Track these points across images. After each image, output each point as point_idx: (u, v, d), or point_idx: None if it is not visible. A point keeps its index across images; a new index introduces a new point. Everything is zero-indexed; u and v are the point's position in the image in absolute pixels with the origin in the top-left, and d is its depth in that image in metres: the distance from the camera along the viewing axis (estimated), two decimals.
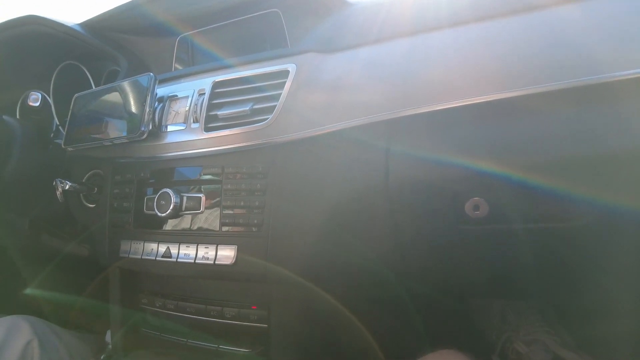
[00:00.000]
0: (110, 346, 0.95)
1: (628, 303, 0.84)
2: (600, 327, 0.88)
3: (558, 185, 0.54)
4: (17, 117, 0.98)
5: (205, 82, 0.73)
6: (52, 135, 1.00)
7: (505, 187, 0.54)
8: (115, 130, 0.76)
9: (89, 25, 0.92)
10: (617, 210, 0.55)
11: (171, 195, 0.69)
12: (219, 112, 0.68)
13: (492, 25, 0.59)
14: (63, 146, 0.83)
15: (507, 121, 0.53)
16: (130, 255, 0.74)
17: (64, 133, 0.84)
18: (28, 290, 1.06)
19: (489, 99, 0.52)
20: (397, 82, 0.60)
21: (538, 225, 0.56)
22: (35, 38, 0.93)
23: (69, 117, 0.83)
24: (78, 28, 0.93)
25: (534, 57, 0.52)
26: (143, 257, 0.73)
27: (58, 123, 0.98)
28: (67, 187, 0.81)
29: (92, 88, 1.01)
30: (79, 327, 1.05)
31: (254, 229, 0.65)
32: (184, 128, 0.72)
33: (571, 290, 0.83)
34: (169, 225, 0.72)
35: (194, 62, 0.95)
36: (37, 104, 0.80)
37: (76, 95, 0.85)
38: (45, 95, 0.91)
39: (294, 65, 0.66)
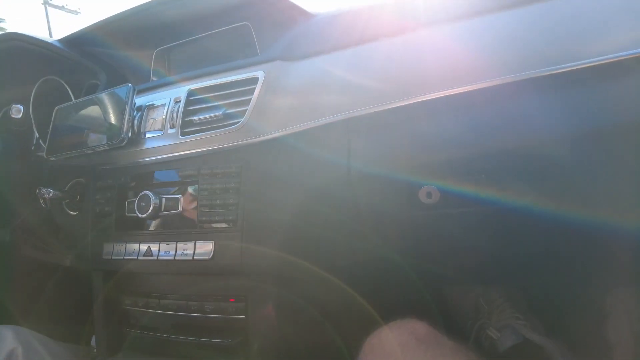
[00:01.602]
0: (95, 350, 0.98)
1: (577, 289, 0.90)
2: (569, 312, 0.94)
3: (499, 172, 0.61)
4: None
5: (180, 91, 0.78)
6: (32, 148, 1.03)
7: (453, 175, 0.61)
8: (96, 138, 0.80)
9: (68, 40, 0.96)
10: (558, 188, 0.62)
11: (151, 197, 0.73)
12: (194, 118, 0.74)
13: (437, 30, 0.65)
14: (45, 156, 0.86)
15: (451, 116, 0.60)
16: (113, 257, 0.78)
17: (45, 145, 0.88)
18: (11, 301, 1.07)
19: (433, 97, 0.58)
20: (355, 85, 0.66)
21: (486, 207, 0.62)
22: (16, 54, 0.96)
23: (50, 128, 0.87)
24: (58, 44, 0.97)
25: (476, 56, 0.59)
26: (125, 257, 0.77)
27: (38, 136, 1.01)
28: (50, 196, 0.84)
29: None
30: (65, 337, 1.07)
31: (229, 225, 0.70)
32: (161, 134, 0.77)
33: (530, 273, 0.89)
34: (150, 226, 0.76)
35: (171, 73, 0.99)
36: (19, 115, 0.84)
37: (57, 107, 0.88)
38: (27, 109, 0.94)
39: (263, 72, 0.72)
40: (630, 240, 0.71)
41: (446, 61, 0.61)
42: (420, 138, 0.61)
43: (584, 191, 0.65)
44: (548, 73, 0.55)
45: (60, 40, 0.99)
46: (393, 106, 0.61)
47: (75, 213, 0.89)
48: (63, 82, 1.06)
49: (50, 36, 0.99)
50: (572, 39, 0.56)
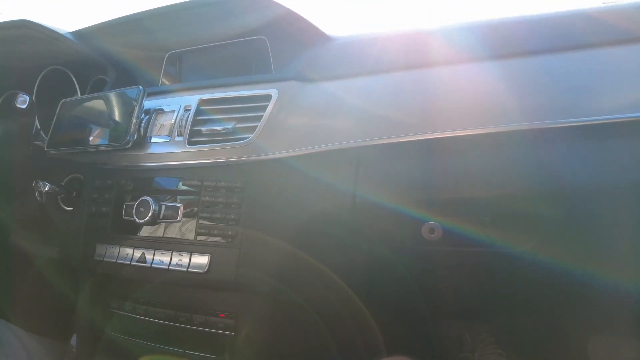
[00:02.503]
0: (74, 349, 0.96)
1: (571, 328, 0.91)
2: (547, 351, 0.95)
3: (504, 214, 0.61)
4: None
5: (191, 99, 0.77)
6: (32, 137, 1.02)
7: (458, 214, 0.61)
8: (100, 137, 0.79)
9: (81, 34, 0.95)
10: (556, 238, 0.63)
11: (150, 202, 0.72)
12: (202, 128, 0.73)
13: (459, 69, 0.67)
14: (46, 149, 0.85)
15: (459, 157, 0.61)
16: (105, 259, 0.77)
17: (47, 136, 0.86)
18: None
19: (443, 136, 0.59)
20: (369, 114, 0.66)
21: (486, 249, 0.62)
22: (26, 41, 0.95)
23: (54, 121, 0.86)
24: (70, 36, 0.96)
25: (481, 100, 0.60)
26: (118, 260, 0.75)
27: (39, 127, 1.00)
28: (46, 189, 0.83)
29: (77, 94, 1.04)
30: (43, 332, 1.04)
31: (228, 240, 0.69)
32: (168, 140, 0.77)
33: (518, 313, 0.90)
34: (146, 232, 0.75)
35: (181, 78, 0.99)
36: (25, 106, 0.82)
37: (63, 100, 0.87)
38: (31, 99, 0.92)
39: (277, 90, 0.72)
40: (617, 294, 0.72)
41: (458, 102, 0.62)
42: (428, 174, 0.62)
43: (579, 244, 0.66)
44: (560, 125, 0.56)
45: (72, 33, 0.98)
46: (404, 140, 0.62)
47: (70, 209, 0.88)
48: (70, 74, 1.05)
49: None
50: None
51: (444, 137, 0.60)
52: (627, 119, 0.54)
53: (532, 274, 0.73)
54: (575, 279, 0.67)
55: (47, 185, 0.83)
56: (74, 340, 0.98)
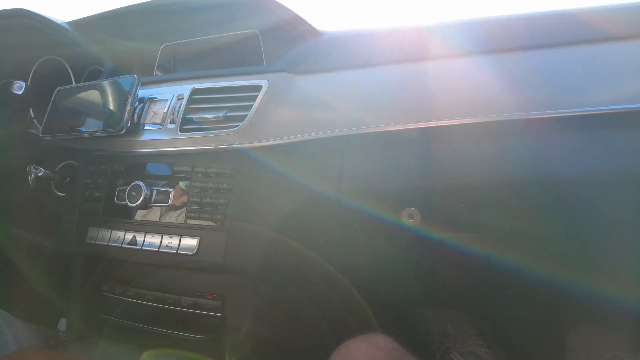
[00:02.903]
0: (61, 333, 0.97)
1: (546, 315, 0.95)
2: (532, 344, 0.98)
3: (481, 201, 0.64)
4: None
5: (184, 88, 0.80)
6: (26, 124, 1.03)
7: (437, 200, 0.64)
8: (94, 124, 0.81)
9: (77, 24, 0.97)
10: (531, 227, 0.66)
11: (142, 187, 0.75)
12: (194, 116, 0.76)
13: (440, 64, 0.70)
14: (41, 135, 0.87)
15: (442, 145, 0.64)
16: (97, 242, 0.79)
17: (41, 124, 0.88)
18: None
19: (427, 126, 0.62)
20: (355, 105, 0.69)
21: (463, 234, 0.66)
22: (22, 30, 0.97)
23: (49, 108, 0.88)
24: (66, 26, 0.98)
25: (465, 95, 0.63)
26: (109, 243, 0.77)
27: (33, 116, 1.01)
28: (40, 174, 0.84)
29: (72, 84, 1.05)
30: (30, 318, 1.05)
31: (217, 224, 0.72)
32: (160, 128, 0.79)
33: (502, 302, 0.93)
34: (137, 216, 0.77)
35: (175, 70, 1.01)
36: (21, 92, 0.84)
37: (59, 88, 0.89)
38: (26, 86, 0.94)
39: (267, 81, 0.74)
40: (597, 282, 0.75)
41: (444, 95, 0.65)
42: (410, 162, 0.65)
43: (556, 233, 0.69)
44: (538, 116, 0.59)
45: (69, 23, 1.00)
46: (387, 129, 0.65)
47: (63, 194, 0.90)
48: (65, 64, 1.06)
49: None
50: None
51: (424, 128, 0.63)
52: (611, 111, 0.57)
53: (510, 262, 0.76)
54: (556, 268, 0.70)
55: (41, 170, 0.84)
56: (61, 324, 0.99)
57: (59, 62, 1.06)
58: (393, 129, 0.65)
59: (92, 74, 1.06)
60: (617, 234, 0.64)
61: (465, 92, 0.65)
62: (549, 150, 0.60)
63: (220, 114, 0.73)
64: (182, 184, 0.76)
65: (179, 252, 0.72)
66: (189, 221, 0.73)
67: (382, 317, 0.84)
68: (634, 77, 0.57)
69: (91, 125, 0.82)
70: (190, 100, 0.78)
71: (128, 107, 0.78)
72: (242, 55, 0.95)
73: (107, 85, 0.82)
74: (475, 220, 0.65)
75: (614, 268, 0.67)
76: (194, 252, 0.71)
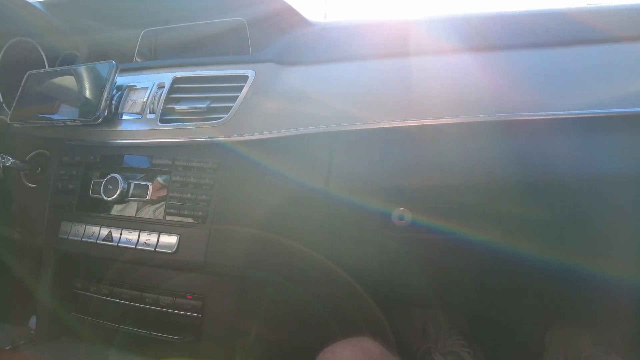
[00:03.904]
0: (32, 331, 0.93)
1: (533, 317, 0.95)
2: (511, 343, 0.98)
3: (472, 202, 0.63)
4: None
5: (165, 77, 0.76)
6: None
7: (427, 200, 0.62)
8: (69, 112, 0.77)
9: (52, 4, 0.92)
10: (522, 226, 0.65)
11: (119, 180, 0.71)
12: (176, 106, 0.72)
13: (433, 60, 0.68)
14: (9, 121, 0.81)
15: (434, 144, 0.62)
16: (70, 237, 0.75)
17: (9, 110, 0.83)
18: None
19: (417, 124, 0.60)
20: (344, 99, 0.67)
21: (453, 236, 0.64)
22: None
23: (18, 93, 0.82)
24: (39, 6, 0.92)
25: (456, 92, 0.61)
26: (83, 239, 0.73)
27: (2, 100, 0.96)
28: (8, 164, 0.79)
29: (44, 68, 1.00)
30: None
31: (198, 221, 0.68)
32: (139, 118, 0.75)
33: (482, 302, 0.93)
34: (114, 210, 0.73)
35: (156, 56, 0.97)
36: None
37: (29, 72, 0.84)
38: None
39: (253, 72, 0.71)
40: (575, 282, 0.75)
41: (436, 92, 0.63)
42: (399, 161, 0.63)
43: (541, 232, 0.68)
44: (529, 117, 0.58)
45: (42, 3, 0.94)
46: (377, 127, 0.63)
47: (33, 185, 0.85)
48: (38, 47, 1.00)
49: None
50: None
51: (414, 126, 0.61)
52: (604, 115, 0.56)
53: (492, 263, 0.75)
54: (537, 267, 0.69)
55: (9, 159, 0.79)
56: (32, 322, 0.95)
57: (32, 44, 1.01)
58: (383, 126, 0.63)
59: (67, 58, 1.00)
60: (610, 238, 0.63)
61: (458, 90, 0.63)
62: (543, 152, 0.59)
63: (203, 105, 0.70)
64: (161, 178, 0.72)
65: (157, 249, 0.69)
66: (168, 217, 0.69)
67: (366, 316, 0.83)
68: (632, 79, 0.56)
69: (65, 113, 0.77)
70: (172, 90, 0.74)
71: (105, 95, 0.74)
72: (228, 44, 0.91)
73: (82, 70, 0.78)
74: (465, 221, 0.64)
75: (609, 268, 0.67)
76: (174, 250, 0.68)
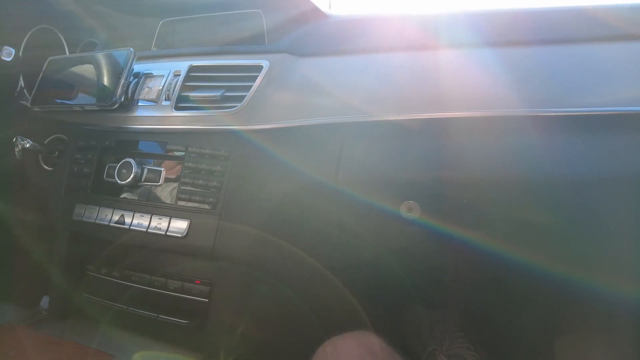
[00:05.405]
0: (44, 311, 0.95)
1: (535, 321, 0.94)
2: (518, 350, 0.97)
3: (482, 198, 0.62)
4: None
5: (182, 65, 0.77)
6: (15, 94, 0.99)
7: (437, 195, 0.62)
8: (86, 97, 0.78)
9: None
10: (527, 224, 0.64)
11: (133, 165, 0.72)
12: (191, 94, 0.73)
13: (449, 54, 0.68)
14: (29, 105, 0.83)
15: (444, 139, 0.62)
16: (84, 219, 0.76)
17: (30, 95, 0.85)
18: None
19: (431, 117, 0.60)
20: (358, 91, 0.67)
21: (462, 231, 0.64)
22: None
23: (39, 78, 0.84)
24: None
25: (470, 87, 0.61)
26: (96, 221, 0.75)
27: (23, 85, 0.98)
28: (27, 145, 0.81)
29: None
30: (10, 298, 1.02)
31: (208, 207, 0.69)
32: (155, 105, 0.76)
33: (491, 307, 0.92)
34: (127, 194, 0.75)
35: (173, 46, 0.98)
36: (10, 58, 0.81)
37: (50, 58, 0.86)
38: (17, 53, 0.91)
39: (268, 62, 0.72)
40: (585, 291, 0.74)
41: (451, 86, 0.63)
42: (411, 154, 0.63)
43: (557, 235, 0.67)
44: (545, 114, 0.57)
45: None
46: (389, 119, 0.63)
47: (50, 168, 0.87)
48: (59, 34, 1.03)
49: None
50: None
51: (431, 118, 0.60)
52: (615, 113, 0.56)
53: (505, 266, 0.74)
54: (550, 275, 0.68)
55: (28, 141, 0.81)
56: (44, 302, 0.97)
57: (54, 32, 1.03)
58: (396, 118, 0.63)
59: (86, 46, 1.02)
60: (621, 238, 0.62)
61: (473, 84, 0.62)
62: (557, 149, 0.59)
63: (217, 93, 0.71)
64: (174, 164, 0.73)
65: (168, 233, 0.70)
66: (180, 203, 0.70)
67: (372, 313, 0.83)
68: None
69: (83, 98, 0.79)
70: (187, 78, 0.75)
71: (122, 82, 0.75)
72: (244, 36, 0.91)
73: (101, 57, 0.79)
74: (475, 217, 0.63)
75: (613, 272, 0.66)
76: (184, 234, 0.69)
